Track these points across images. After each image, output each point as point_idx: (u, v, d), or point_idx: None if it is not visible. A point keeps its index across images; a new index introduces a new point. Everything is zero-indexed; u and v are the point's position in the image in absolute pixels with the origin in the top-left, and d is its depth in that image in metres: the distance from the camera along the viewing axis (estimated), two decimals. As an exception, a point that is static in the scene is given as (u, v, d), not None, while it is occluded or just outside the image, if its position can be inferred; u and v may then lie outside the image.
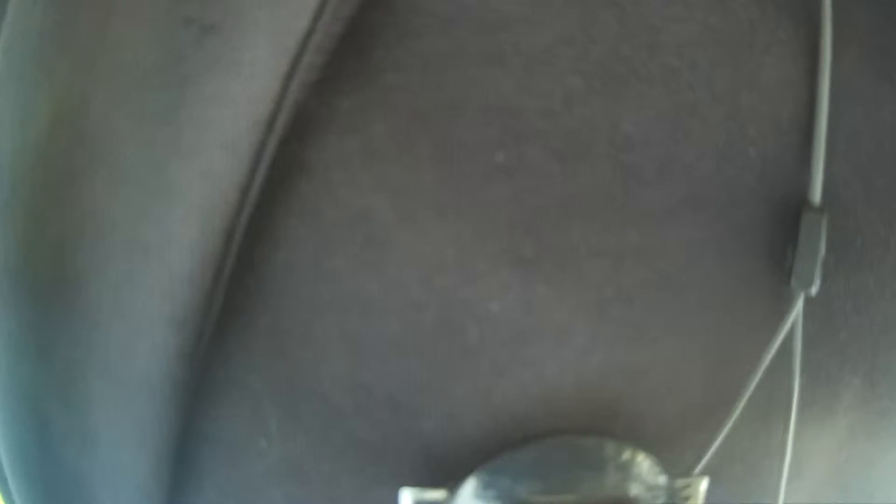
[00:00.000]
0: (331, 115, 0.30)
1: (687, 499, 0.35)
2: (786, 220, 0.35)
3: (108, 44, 0.29)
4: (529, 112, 0.31)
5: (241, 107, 0.28)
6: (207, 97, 0.28)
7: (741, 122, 0.33)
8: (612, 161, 0.32)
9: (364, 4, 0.30)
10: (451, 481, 0.33)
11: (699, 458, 0.36)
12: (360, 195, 0.30)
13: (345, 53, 0.30)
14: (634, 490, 0.34)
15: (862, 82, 0.34)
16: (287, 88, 0.28)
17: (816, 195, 0.34)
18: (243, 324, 0.32)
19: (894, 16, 0.35)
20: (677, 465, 0.35)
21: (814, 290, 0.34)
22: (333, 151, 0.30)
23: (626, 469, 0.34)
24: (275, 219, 0.30)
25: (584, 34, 0.32)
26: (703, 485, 0.36)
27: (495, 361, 0.32)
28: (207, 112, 0.29)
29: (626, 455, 0.34)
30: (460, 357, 0.32)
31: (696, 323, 0.34)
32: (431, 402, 0.32)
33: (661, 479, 0.34)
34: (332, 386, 0.32)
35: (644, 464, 0.34)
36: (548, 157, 0.31)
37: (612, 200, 0.32)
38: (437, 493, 0.32)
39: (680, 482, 0.35)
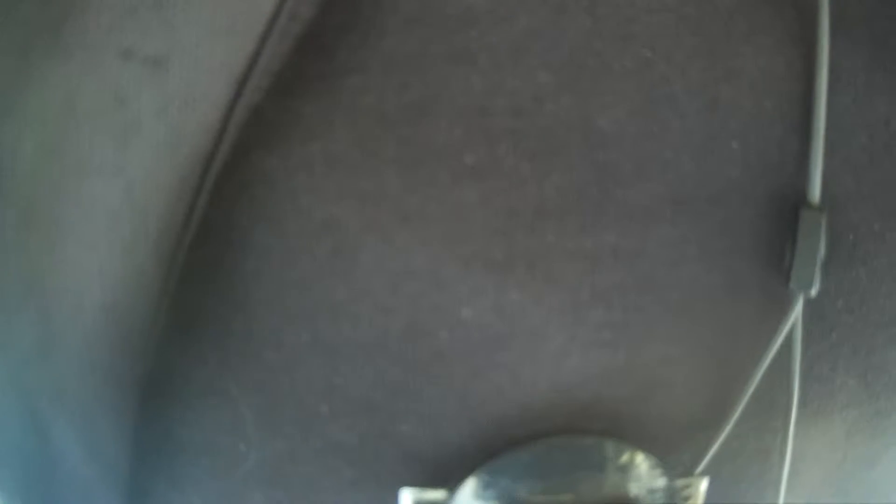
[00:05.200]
0: (293, 121, 0.30)
1: (687, 499, 0.35)
2: (778, 216, 0.33)
3: (36, 86, 0.27)
4: (499, 111, 0.30)
5: (192, 146, 0.27)
6: (159, 144, 0.27)
7: (721, 114, 0.32)
8: (586, 159, 0.31)
9: (325, 4, 0.29)
10: (429, 483, 0.33)
11: (697, 459, 0.35)
12: (324, 203, 0.30)
13: (307, 56, 0.29)
14: (634, 490, 0.34)
15: (853, 71, 0.33)
16: (231, 119, 0.27)
17: (815, 193, 0.33)
18: (217, 330, 0.32)
19: (888, 2, 0.33)
20: (673, 466, 0.34)
21: (813, 291, 0.33)
22: (296, 159, 0.30)
23: (625, 469, 0.33)
24: (241, 228, 0.30)
25: (554, 27, 0.30)
26: (703, 485, 0.35)
27: (469, 365, 0.32)
28: (158, 160, 0.27)
29: (626, 455, 0.33)
30: (433, 361, 0.32)
31: (681, 324, 0.33)
32: (406, 406, 0.32)
33: (661, 480, 0.34)
34: (307, 390, 0.32)
35: (644, 464, 0.34)
36: (519, 158, 0.31)
37: (587, 200, 0.31)
38: (437, 493, 0.33)
39: (680, 482, 0.34)
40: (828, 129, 0.32)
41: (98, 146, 0.27)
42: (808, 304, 0.33)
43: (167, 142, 0.27)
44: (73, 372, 0.31)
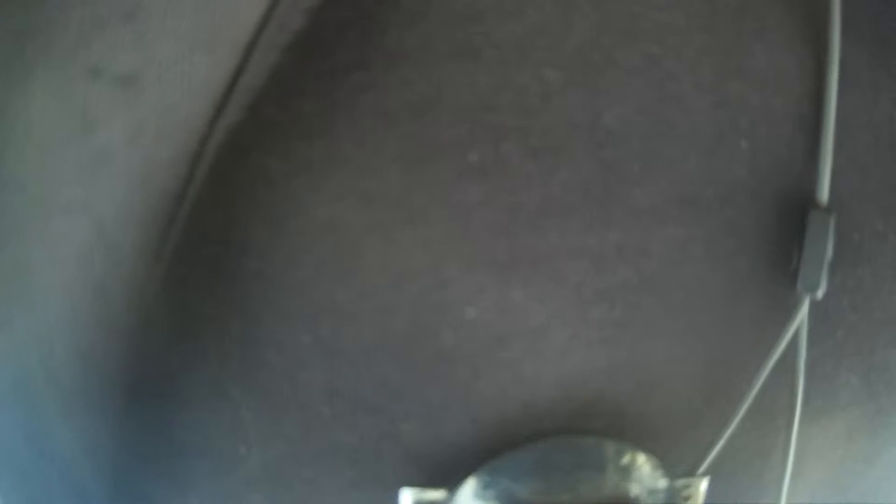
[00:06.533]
0: (293, 120, 0.29)
1: (687, 499, 0.35)
2: (785, 217, 0.33)
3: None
4: (504, 108, 0.30)
5: (169, 176, 0.25)
6: (132, 175, 0.25)
7: (730, 112, 0.31)
8: (592, 157, 0.31)
9: (318, 11, 0.28)
10: (430, 483, 0.33)
11: (700, 458, 0.35)
12: (326, 203, 0.29)
13: (306, 53, 0.29)
14: (634, 490, 0.34)
15: (858, 70, 0.32)
16: (209, 143, 0.26)
17: (824, 194, 0.32)
18: (217, 332, 0.31)
19: (893, 2, 0.33)
20: (674, 464, 0.34)
21: (820, 293, 0.33)
22: (297, 158, 0.29)
23: (625, 469, 0.33)
24: (241, 229, 0.30)
25: (561, 23, 0.30)
26: (703, 485, 0.35)
27: (472, 364, 0.32)
28: (131, 193, 0.25)
29: (626, 456, 0.33)
30: (436, 361, 0.31)
31: (685, 323, 0.33)
32: (409, 406, 0.32)
33: (662, 480, 0.34)
34: (308, 392, 0.32)
35: (644, 465, 0.33)
36: (524, 156, 0.30)
37: (593, 199, 0.31)
38: (437, 493, 0.32)
39: (680, 482, 0.34)
40: (835, 128, 0.32)
41: (64, 178, 0.24)
42: (814, 302, 0.33)
43: (141, 172, 0.25)
44: (67, 384, 0.30)
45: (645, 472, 0.34)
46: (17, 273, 0.26)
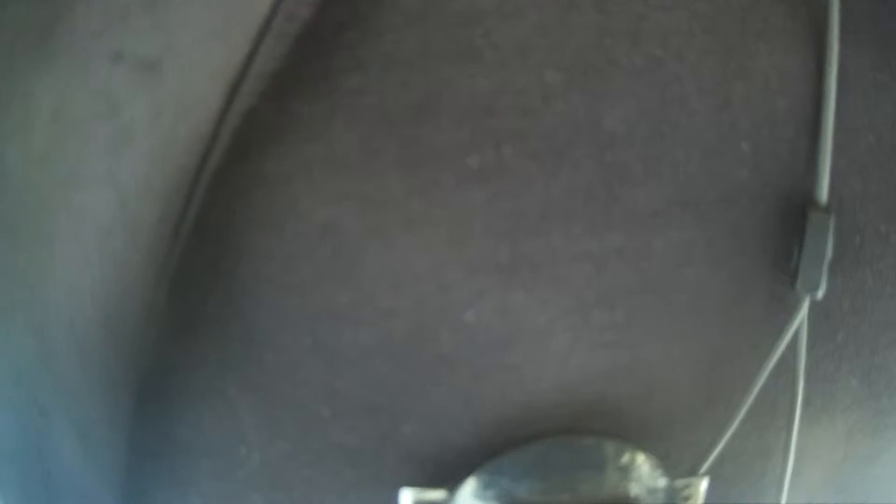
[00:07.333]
0: (291, 123, 0.29)
1: (687, 499, 0.35)
2: (786, 218, 0.33)
3: (22, 92, 0.25)
4: (505, 111, 0.29)
5: (186, 155, 0.26)
6: (153, 153, 0.26)
7: (732, 114, 0.31)
8: (593, 160, 0.30)
9: (323, 2, 0.28)
10: (430, 483, 0.33)
11: (700, 459, 0.35)
12: (323, 207, 0.29)
13: (304, 56, 0.28)
14: (634, 490, 0.34)
15: (860, 70, 0.32)
16: (224, 125, 0.26)
17: (823, 194, 0.32)
18: (216, 333, 0.31)
19: (894, 2, 0.32)
20: (675, 465, 0.35)
21: (820, 293, 0.33)
22: (295, 161, 0.29)
23: (625, 469, 0.33)
24: (239, 231, 0.30)
25: (562, 24, 0.29)
26: (703, 485, 0.35)
27: (473, 367, 0.32)
28: (151, 170, 0.26)
29: (626, 456, 0.33)
30: (436, 364, 0.31)
31: (686, 326, 0.33)
32: (408, 407, 0.32)
33: (661, 480, 0.34)
34: (308, 393, 0.32)
35: (643, 464, 0.34)
36: (525, 159, 0.30)
37: (595, 202, 0.31)
38: (437, 493, 0.33)
39: (680, 483, 0.35)
40: (836, 129, 0.31)
41: (89, 156, 0.26)
42: (814, 304, 0.33)
43: (161, 151, 0.26)
44: (71, 377, 0.30)
45: (644, 471, 0.34)
46: (43, 244, 0.27)
